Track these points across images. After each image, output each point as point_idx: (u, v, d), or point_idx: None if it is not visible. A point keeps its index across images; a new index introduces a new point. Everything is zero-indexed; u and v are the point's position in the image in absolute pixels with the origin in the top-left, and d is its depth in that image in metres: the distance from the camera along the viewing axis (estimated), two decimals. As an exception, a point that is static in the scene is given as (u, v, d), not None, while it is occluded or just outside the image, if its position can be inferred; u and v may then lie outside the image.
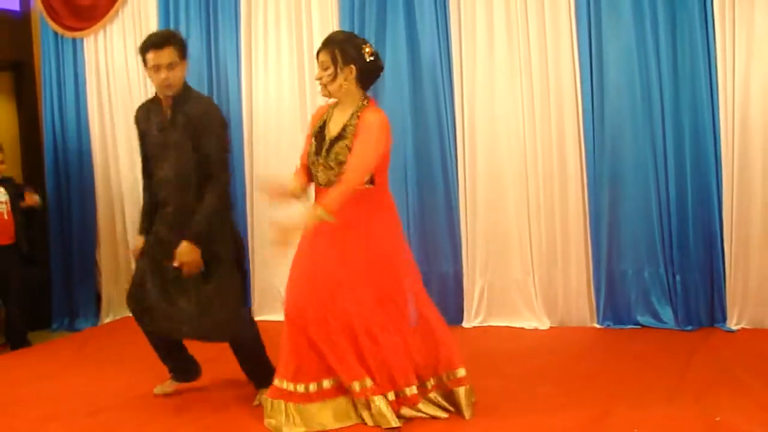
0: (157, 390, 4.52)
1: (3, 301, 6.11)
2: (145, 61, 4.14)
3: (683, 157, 5.40)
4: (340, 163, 3.81)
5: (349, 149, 3.80)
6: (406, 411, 3.86)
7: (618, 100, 5.52)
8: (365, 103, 3.91)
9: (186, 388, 4.56)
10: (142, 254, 4.31)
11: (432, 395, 3.97)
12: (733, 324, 5.34)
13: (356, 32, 5.93)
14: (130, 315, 6.66)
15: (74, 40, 6.92)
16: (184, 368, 4.56)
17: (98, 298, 7.04)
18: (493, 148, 5.81)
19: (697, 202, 5.39)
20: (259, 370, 4.33)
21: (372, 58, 3.87)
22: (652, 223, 5.51)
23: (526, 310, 5.77)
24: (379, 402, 3.78)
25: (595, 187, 5.57)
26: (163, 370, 4.54)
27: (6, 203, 6.02)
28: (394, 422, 3.77)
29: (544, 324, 5.71)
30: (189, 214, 4.10)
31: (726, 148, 5.27)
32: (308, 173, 4.03)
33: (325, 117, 4.00)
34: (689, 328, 5.38)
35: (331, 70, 3.82)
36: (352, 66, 3.82)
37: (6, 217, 6.00)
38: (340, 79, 3.83)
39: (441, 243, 5.96)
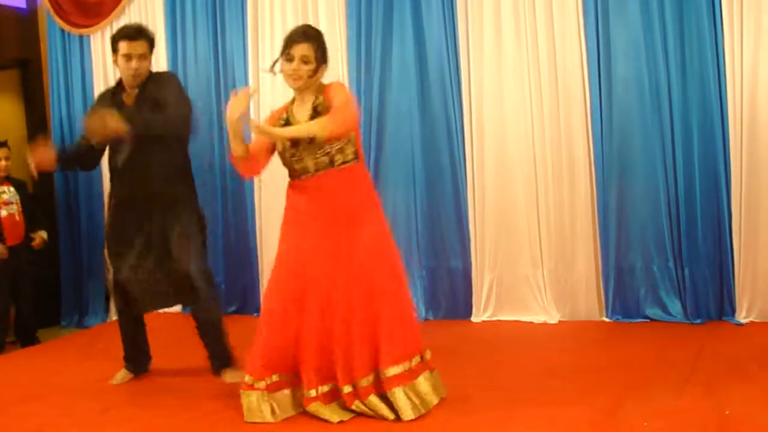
0: (116, 380, 4.71)
1: (14, 300, 6.14)
2: (116, 48, 4.35)
3: (691, 150, 5.38)
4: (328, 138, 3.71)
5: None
6: (357, 405, 3.82)
7: (626, 94, 5.51)
8: (320, 85, 3.94)
9: (194, 383, 4.59)
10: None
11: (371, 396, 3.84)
12: (742, 317, 5.33)
13: (363, 29, 5.99)
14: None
15: (81, 37, 6.94)
16: (142, 359, 4.83)
17: (107, 295, 7.06)
18: (502, 143, 5.80)
19: (706, 196, 5.38)
20: (224, 349, 4.59)
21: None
22: (660, 216, 5.50)
23: (535, 305, 5.78)
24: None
25: (603, 181, 5.56)
26: (177, 363, 4.55)
27: (17, 203, 6.03)
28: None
29: (553, 318, 5.71)
30: (150, 189, 4.38)
31: (734, 141, 5.26)
32: (257, 161, 3.98)
33: (285, 115, 3.97)
34: (698, 321, 5.37)
35: (312, 66, 3.83)
36: (324, 65, 3.91)
37: (18, 218, 6.02)
38: (318, 76, 3.89)
39: (450, 238, 5.97)
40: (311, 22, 6.13)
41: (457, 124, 5.84)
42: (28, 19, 7.18)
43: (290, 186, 4.00)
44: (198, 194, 6.61)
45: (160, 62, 6.71)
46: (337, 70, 6.11)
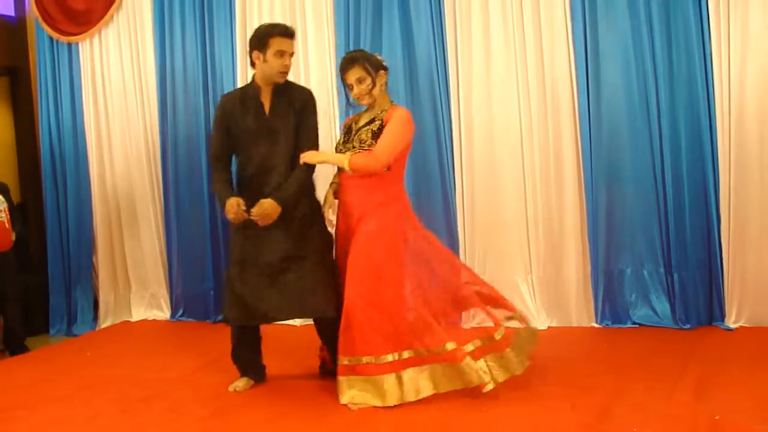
0: (238, 387, 4.59)
1: (2, 308, 6.10)
2: (266, 44, 4.34)
3: (680, 155, 5.40)
4: (362, 141, 4.24)
5: (373, 132, 4.23)
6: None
7: (614, 99, 5.53)
8: (392, 104, 4.41)
9: (180, 390, 4.58)
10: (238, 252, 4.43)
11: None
12: (731, 322, 5.34)
13: (351, 34, 5.99)
14: (128, 319, 6.84)
15: (69, 45, 6.93)
16: (257, 368, 4.71)
17: (96, 303, 7.05)
18: (490, 148, 5.81)
19: (695, 201, 5.40)
20: None
21: (386, 62, 4.39)
22: (649, 221, 5.52)
23: (524, 311, 5.75)
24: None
25: (592, 187, 5.57)
26: (163, 370, 4.51)
27: (5, 210, 6.00)
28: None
29: (542, 324, 5.71)
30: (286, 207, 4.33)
31: (722, 146, 5.28)
32: None
33: (354, 119, 4.49)
34: (688, 326, 5.38)
35: (369, 81, 4.29)
36: (382, 71, 4.34)
37: (7, 225, 5.99)
38: (378, 85, 4.32)
39: (438, 244, 5.96)
40: (299, 30, 6.15)
41: (446, 130, 5.84)
42: (16, 27, 7.17)
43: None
44: (188, 201, 6.66)
45: (148, 69, 6.72)
46: (326, 78, 6.12)
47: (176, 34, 6.59)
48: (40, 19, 6.89)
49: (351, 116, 4.63)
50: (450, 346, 4.10)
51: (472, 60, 5.81)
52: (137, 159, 6.84)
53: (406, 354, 4.12)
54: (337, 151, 4.43)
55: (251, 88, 4.47)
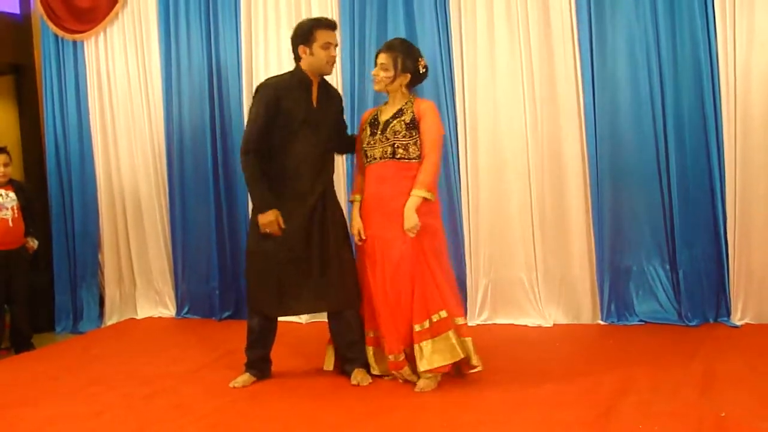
0: (238, 383, 4.60)
1: (8, 306, 6.11)
2: (311, 39, 4.45)
3: (685, 151, 5.39)
4: (395, 133, 4.34)
5: (405, 124, 4.33)
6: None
7: (620, 97, 5.53)
8: (413, 97, 4.47)
9: (187, 386, 4.59)
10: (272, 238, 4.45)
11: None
12: (737, 319, 5.33)
13: (356, 35, 5.98)
14: (134, 317, 6.85)
15: (75, 43, 6.94)
16: (266, 366, 4.74)
17: (101, 301, 7.06)
18: (495, 145, 5.80)
19: (700, 198, 5.39)
20: (364, 344, 4.58)
21: (424, 71, 4.46)
22: (655, 218, 5.51)
23: (530, 308, 5.77)
24: None
25: (597, 183, 5.56)
26: (165, 371, 4.52)
27: (13, 209, 6.00)
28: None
29: (548, 321, 5.71)
30: (321, 186, 4.49)
31: (728, 144, 5.27)
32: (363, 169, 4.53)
33: (375, 114, 4.55)
34: (693, 323, 5.37)
35: (390, 73, 4.37)
36: (408, 74, 4.40)
37: (11, 224, 5.99)
38: (396, 83, 4.40)
39: (444, 242, 5.96)
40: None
41: (451, 127, 5.84)
42: (21, 24, 7.18)
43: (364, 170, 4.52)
44: (193, 198, 6.67)
45: (153, 67, 6.73)
46: (330, 78, 6.10)
47: (181, 32, 6.60)
48: (45, 17, 6.90)
49: (369, 110, 4.73)
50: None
51: (476, 60, 5.81)
52: (143, 156, 6.85)
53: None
54: (365, 145, 4.47)
55: (303, 76, 4.53)
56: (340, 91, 6.04)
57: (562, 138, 5.66)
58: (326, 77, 4.63)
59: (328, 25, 4.50)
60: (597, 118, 5.54)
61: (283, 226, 4.36)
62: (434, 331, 4.24)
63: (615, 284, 5.62)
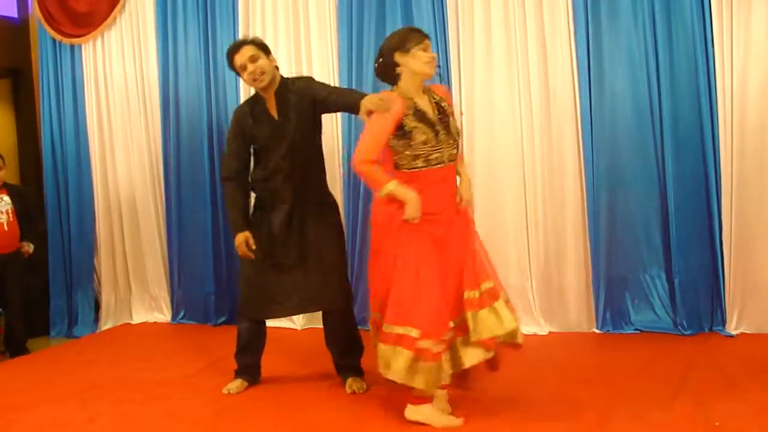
0: (232, 389, 4.61)
1: (3, 310, 6.10)
2: (233, 61, 4.49)
3: (681, 160, 5.39)
4: (458, 131, 4.09)
5: (453, 115, 4.10)
6: None
7: (616, 104, 5.52)
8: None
9: (179, 392, 4.58)
10: (251, 250, 4.46)
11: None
12: (732, 328, 5.33)
13: (354, 34, 6.00)
14: (129, 322, 6.84)
15: (72, 47, 6.93)
16: (256, 371, 4.77)
17: (97, 305, 7.04)
18: (491, 152, 5.80)
19: (696, 207, 5.38)
20: (358, 351, 4.64)
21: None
22: (651, 227, 5.51)
23: (524, 316, 5.74)
24: None
25: (593, 191, 5.56)
26: (160, 376, 4.52)
27: (7, 213, 6.00)
28: None
29: (543, 329, 5.70)
30: (299, 192, 4.46)
31: (725, 152, 5.26)
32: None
33: (412, 105, 3.92)
34: (689, 332, 5.36)
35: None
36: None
37: (6, 228, 5.99)
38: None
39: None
40: (302, 30, 6.20)
41: (448, 134, 5.82)
42: (19, 28, 7.17)
43: (409, 176, 3.93)
44: (190, 203, 6.66)
45: (150, 71, 6.72)
46: (329, 78, 6.11)
47: (179, 36, 6.59)
48: (42, 21, 6.89)
49: (399, 107, 3.89)
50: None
51: (474, 64, 5.80)
52: (139, 161, 6.84)
53: None
54: (429, 151, 3.89)
55: (258, 96, 4.57)
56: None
57: (559, 145, 5.65)
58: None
59: (236, 48, 4.50)
60: (594, 125, 5.53)
61: (253, 247, 4.41)
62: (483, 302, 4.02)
63: (610, 293, 5.61)
